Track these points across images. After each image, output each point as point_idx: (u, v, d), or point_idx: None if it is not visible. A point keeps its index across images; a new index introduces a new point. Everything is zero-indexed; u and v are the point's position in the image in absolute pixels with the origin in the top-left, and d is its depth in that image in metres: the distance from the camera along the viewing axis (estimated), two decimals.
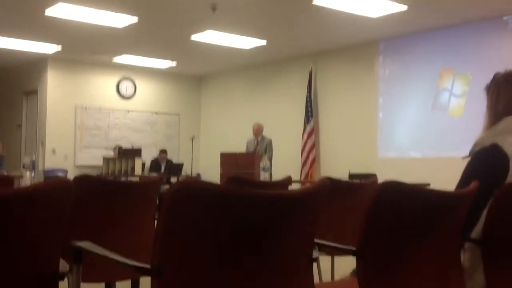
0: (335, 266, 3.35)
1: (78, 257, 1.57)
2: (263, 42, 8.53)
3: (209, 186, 1.35)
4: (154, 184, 2.95)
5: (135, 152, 9.59)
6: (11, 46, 8.78)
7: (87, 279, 1.86)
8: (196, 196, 1.36)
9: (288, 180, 3.53)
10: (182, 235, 1.37)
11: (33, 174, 3.55)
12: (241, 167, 6.97)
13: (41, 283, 1.40)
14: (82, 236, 1.67)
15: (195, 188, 1.37)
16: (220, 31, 7.89)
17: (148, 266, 1.31)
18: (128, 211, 2.68)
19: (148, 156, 10.19)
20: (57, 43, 8.83)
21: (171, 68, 10.83)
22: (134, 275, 2.31)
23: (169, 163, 10.08)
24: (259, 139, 8.50)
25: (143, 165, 9.65)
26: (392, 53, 8.41)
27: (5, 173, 4.59)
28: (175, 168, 9.66)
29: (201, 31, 7.88)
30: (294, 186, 3.99)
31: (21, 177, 2.39)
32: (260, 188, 2.73)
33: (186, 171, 9.74)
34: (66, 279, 1.47)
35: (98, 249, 1.52)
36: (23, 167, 3.29)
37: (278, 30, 7.99)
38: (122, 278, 2.34)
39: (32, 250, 1.35)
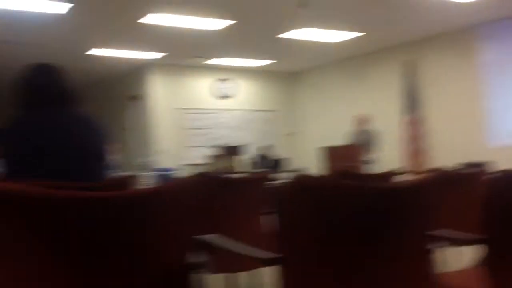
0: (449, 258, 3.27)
1: (205, 250, 1.67)
2: (357, 35, 8.44)
3: (325, 180, 1.39)
4: (262, 179, 3.06)
5: (237, 150, 9.83)
6: (114, 55, 9.32)
7: (214, 271, 1.97)
8: (313, 190, 1.41)
9: (395, 172, 3.49)
10: (301, 227, 1.43)
11: (147, 174, 3.76)
12: (343, 161, 6.93)
13: (173, 275, 1.51)
14: (203, 230, 1.77)
15: (312, 182, 1.43)
16: (314, 27, 7.90)
17: (274, 256, 1.38)
18: (239, 206, 2.80)
19: (249, 153, 10.42)
20: (157, 50, 9.26)
21: (267, 66, 10.99)
22: (255, 265, 2.40)
23: (269, 159, 10.25)
24: (362, 131, 8.41)
25: (246, 161, 9.89)
26: (492, 38, 8.00)
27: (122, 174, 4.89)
28: (276, 164, 9.80)
29: (295, 28, 7.93)
30: (403, 177, 3.93)
31: (136, 177, 2.57)
32: (369, 181, 2.74)
33: (288, 166, 9.85)
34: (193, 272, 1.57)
35: (225, 242, 1.61)
36: (139, 168, 3.53)
37: (374, 21, 7.88)
38: (244, 269, 2.45)
39: (163, 244, 1.47)
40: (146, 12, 6.86)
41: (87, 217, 1.20)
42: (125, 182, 2.43)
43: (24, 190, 1.14)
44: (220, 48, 9.31)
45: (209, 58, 10.08)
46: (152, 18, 7.10)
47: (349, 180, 1.54)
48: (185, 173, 9.42)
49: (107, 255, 1.25)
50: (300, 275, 1.42)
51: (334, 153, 7.45)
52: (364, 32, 8.38)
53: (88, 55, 9.12)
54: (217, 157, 9.74)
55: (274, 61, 10.57)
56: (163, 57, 9.73)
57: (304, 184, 1.41)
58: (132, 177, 2.59)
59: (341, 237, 1.41)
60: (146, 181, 3.64)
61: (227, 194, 2.69)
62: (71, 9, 6.58)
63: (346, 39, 8.70)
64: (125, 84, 11.38)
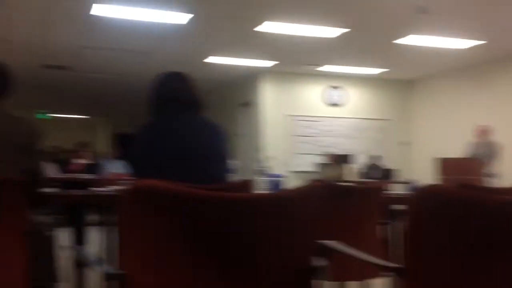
0: None
1: (326, 255, 1.69)
2: (478, 43, 8.05)
3: (460, 192, 1.36)
4: (378, 189, 3.03)
5: (348, 158, 9.74)
6: (227, 62, 9.64)
7: (331, 278, 1.98)
8: (442, 202, 1.39)
9: None
10: (429, 238, 1.40)
11: (260, 179, 3.84)
12: (461, 173, 6.63)
13: (296, 277, 1.55)
14: (321, 237, 1.79)
15: (442, 194, 1.40)
16: (432, 34, 7.65)
17: (397, 266, 1.37)
18: (355, 214, 2.79)
19: (358, 162, 10.29)
20: (268, 58, 9.44)
21: (380, 74, 10.80)
22: (373, 274, 2.39)
23: (379, 169, 10.04)
24: (483, 142, 8.01)
25: (355, 170, 9.78)
26: None
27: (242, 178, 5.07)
28: (386, 174, 9.58)
29: (411, 34, 7.73)
30: None
31: (253, 181, 2.67)
32: (497, 195, 2.61)
33: (399, 177, 9.59)
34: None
35: (348, 249, 1.63)
36: (253, 172, 3.65)
37: (497, 28, 7.47)
38: (363, 277, 2.44)
39: (291, 246, 1.51)
40: (262, 20, 7.03)
41: (227, 216, 1.28)
42: (246, 185, 2.53)
43: (179, 189, 1.24)
44: (333, 55, 9.30)
45: (321, 65, 10.10)
46: (267, 26, 7.26)
47: (475, 193, 1.50)
48: (293, 180, 9.51)
49: (244, 252, 1.32)
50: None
51: (450, 165, 7.14)
52: (485, 40, 7.98)
53: (205, 62, 9.51)
54: (325, 165, 9.73)
55: (387, 69, 10.36)
56: (275, 65, 9.91)
57: (436, 196, 1.38)
58: (250, 181, 2.69)
59: (473, 252, 1.37)
60: (261, 185, 3.73)
61: (344, 203, 2.69)
62: (191, 19, 6.93)
63: (466, 47, 8.33)
64: (238, 91, 11.71)
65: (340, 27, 7.35)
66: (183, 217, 1.32)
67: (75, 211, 3.10)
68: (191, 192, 1.28)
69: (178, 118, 2.51)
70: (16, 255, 2.14)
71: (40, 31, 7.63)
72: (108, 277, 1.35)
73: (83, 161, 8.25)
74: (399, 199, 3.32)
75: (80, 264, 2.56)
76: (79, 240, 3.10)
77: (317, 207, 2.29)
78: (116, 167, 10.64)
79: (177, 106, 2.52)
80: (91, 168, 7.99)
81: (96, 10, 6.50)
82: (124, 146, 13.30)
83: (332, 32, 7.56)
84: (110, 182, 3.79)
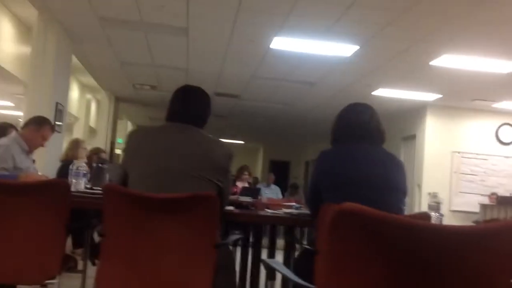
0: None
1: None
2: None
3: None
4: None
5: None
6: (393, 95, 9.51)
7: None
8: None
9: None
10: None
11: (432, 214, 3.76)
12: None
13: None
14: None
15: None
16: None
17: None
18: None
19: None
20: (438, 91, 9.14)
21: None
22: None
23: None
24: None
25: None
26: None
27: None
28: None
29: None
30: None
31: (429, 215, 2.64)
32: None
33: None
34: None
35: None
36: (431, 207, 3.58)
37: None
38: None
39: (488, 284, 1.48)
40: (440, 53, 6.83)
41: (431, 245, 1.31)
42: (426, 218, 2.51)
43: (385, 215, 1.31)
44: (507, 91, 8.76)
45: (493, 101, 9.54)
46: (444, 60, 7.04)
47: None
48: (451, 219, 9.04)
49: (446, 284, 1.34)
50: None
51: None
52: None
53: (373, 95, 9.42)
54: (491, 206, 9.11)
55: None
56: (442, 98, 9.58)
57: None
58: (428, 215, 2.66)
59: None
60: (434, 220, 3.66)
61: None
62: (356, 52, 6.94)
63: None
64: (401, 123, 11.49)
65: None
66: (387, 243, 1.37)
67: (255, 230, 3.29)
68: (399, 219, 1.33)
69: (359, 146, 2.58)
70: (205, 266, 2.32)
71: (217, 62, 8.22)
72: None
73: (241, 184, 8.64)
74: None
75: (271, 277, 2.71)
76: (271, 254, 3.29)
77: None
78: (271, 192, 11.02)
79: (359, 135, 2.61)
80: (248, 192, 8.33)
81: (276, 44, 6.79)
82: (278, 173, 13.66)
83: (504, 67, 7.14)
84: (267, 206, 3.91)
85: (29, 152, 4.40)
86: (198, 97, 2.73)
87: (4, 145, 4.19)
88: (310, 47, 6.88)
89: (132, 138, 2.70)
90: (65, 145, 6.98)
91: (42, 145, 4.53)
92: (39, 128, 4.44)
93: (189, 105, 2.66)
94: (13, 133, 4.66)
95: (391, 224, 1.35)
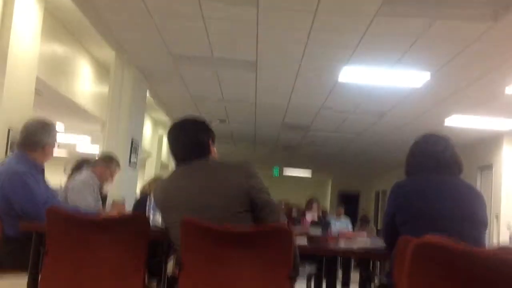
0: None
1: None
2: None
3: None
4: None
5: None
6: (468, 125, 9.19)
7: None
8: None
9: None
10: None
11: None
12: None
13: None
14: None
15: None
16: None
17: None
18: None
19: None
20: None
21: None
22: None
23: None
24: None
25: None
26: None
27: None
28: None
29: None
30: None
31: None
32: None
33: None
34: None
35: None
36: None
37: None
38: None
39: None
40: None
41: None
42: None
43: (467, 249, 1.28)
44: None
45: None
46: None
47: None
48: None
49: None
50: None
51: None
52: None
53: (446, 125, 9.11)
54: None
55: None
56: None
57: None
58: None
59: None
60: None
61: None
62: (426, 82, 6.80)
63: None
64: (476, 153, 11.08)
65: None
66: (468, 276, 1.34)
67: (328, 263, 3.26)
68: (483, 252, 1.30)
69: (436, 178, 2.54)
70: None
71: (286, 94, 8.31)
72: None
73: (310, 217, 8.54)
74: None
75: None
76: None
77: None
78: (341, 225, 10.84)
79: (435, 165, 2.56)
80: (318, 224, 8.21)
81: (344, 75, 6.75)
82: (347, 204, 13.48)
83: None
84: (336, 239, 3.85)
85: (100, 187, 4.59)
86: (187, 129, 2.61)
87: (86, 182, 4.39)
88: (379, 78, 6.82)
89: (156, 196, 2.66)
90: (140, 180, 7.16)
91: (110, 181, 4.72)
92: (109, 165, 4.65)
93: (183, 142, 2.57)
94: (89, 171, 4.69)
95: (474, 257, 1.32)
